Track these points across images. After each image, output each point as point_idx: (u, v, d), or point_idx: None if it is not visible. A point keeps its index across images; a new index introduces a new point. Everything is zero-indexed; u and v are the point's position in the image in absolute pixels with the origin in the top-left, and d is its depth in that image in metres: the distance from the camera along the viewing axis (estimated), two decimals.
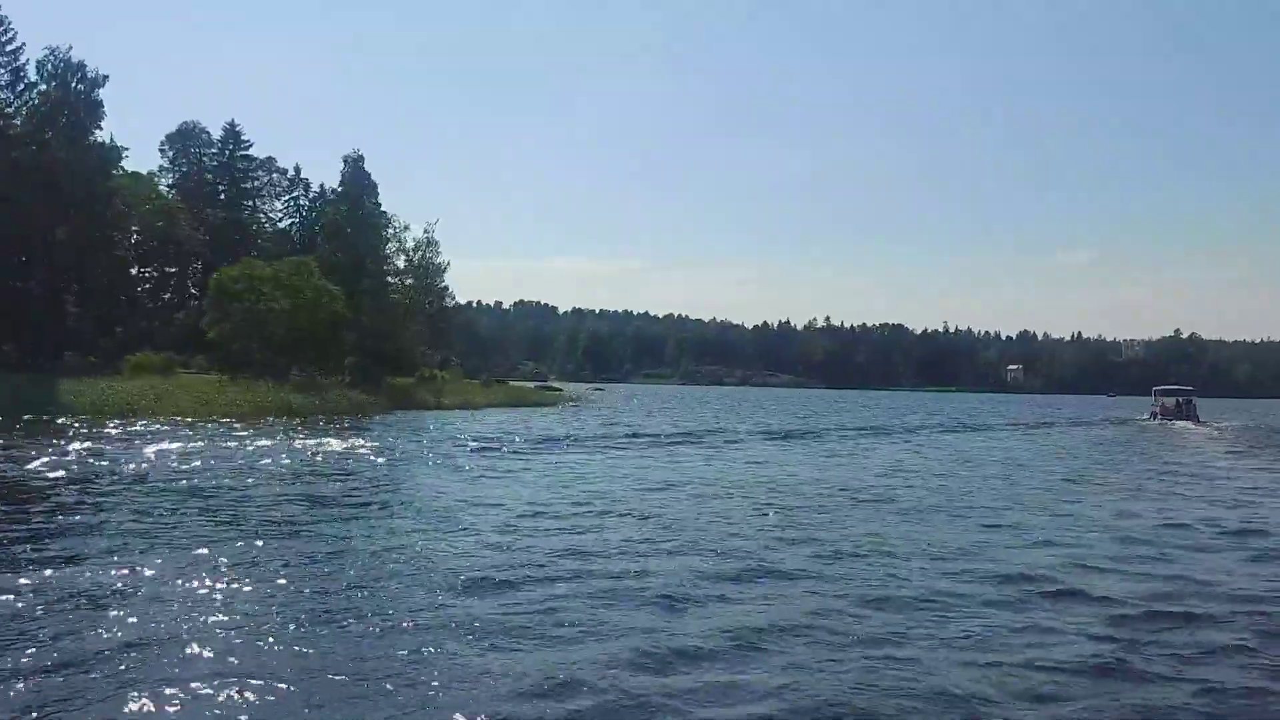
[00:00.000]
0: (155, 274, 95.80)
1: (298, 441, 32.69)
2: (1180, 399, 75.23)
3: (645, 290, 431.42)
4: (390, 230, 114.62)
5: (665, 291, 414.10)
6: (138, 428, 35.18)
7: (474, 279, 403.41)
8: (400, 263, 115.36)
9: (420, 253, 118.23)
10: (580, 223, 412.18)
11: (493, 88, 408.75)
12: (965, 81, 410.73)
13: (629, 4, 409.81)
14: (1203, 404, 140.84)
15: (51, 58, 58.07)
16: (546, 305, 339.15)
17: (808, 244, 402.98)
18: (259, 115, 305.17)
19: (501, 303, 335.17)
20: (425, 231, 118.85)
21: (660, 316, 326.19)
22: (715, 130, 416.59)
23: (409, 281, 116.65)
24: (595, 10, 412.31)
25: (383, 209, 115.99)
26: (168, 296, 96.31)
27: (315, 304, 59.13)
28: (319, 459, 27.80)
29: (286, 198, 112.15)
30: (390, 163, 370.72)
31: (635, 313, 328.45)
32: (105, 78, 59.52)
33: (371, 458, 28.77)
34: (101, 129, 61.88)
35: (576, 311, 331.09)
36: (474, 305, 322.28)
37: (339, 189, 72.61)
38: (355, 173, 69.76)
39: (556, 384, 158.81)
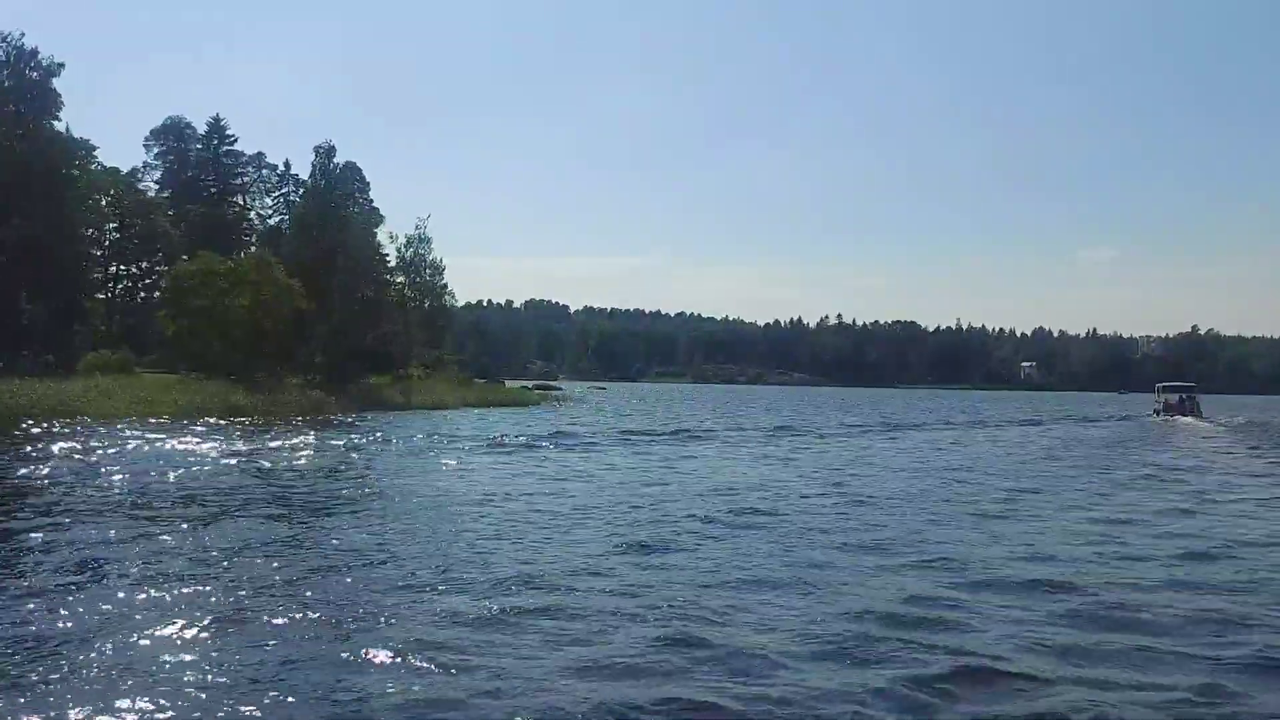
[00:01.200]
0: (138, 271, 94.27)
1: (209, 444, 30.55)
2: (1184, 395, 74.15)
3: (658, 289, 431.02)
4: (380, 227, 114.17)
5: (678, 290, 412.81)
6: (35, 430, 33.02)
7: (486, 278, 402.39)
8: (391, 258, 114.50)
9: (412, 249, 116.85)
10: (593, 222, 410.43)
11: (505, 86, 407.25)
12: (985, 80, 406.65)
13: (647, 4, 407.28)
14: (1218, 400, 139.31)
15: (3, 44, 56.09)
16: (558, 304, 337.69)
17: (823, 242, 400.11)
18: (267, 115, 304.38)
19: (513, 301, 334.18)
20: (416, 227, 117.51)
21: (673, 315, 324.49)
22: (729, 130, 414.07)
23: (400, 279, 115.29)
24: (613, 9, 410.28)
25: (374, 205, 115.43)
26: (156, 295, 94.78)
27: (276, 300, 56.99)
28: (211, 461, 25.61)
29: (276, 194, 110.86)
30: (401, 162, 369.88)
31: (647, 311, 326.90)
32: (60, 66, 57.57)
33: (271, 461, 26.56)
34: (59, 119, 59.91)
35: (588, 310, 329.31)
36: (485, 304, 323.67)
37: (308, 181, 70.24)
38: (325, 165, 67.49)
39: (557, 383, 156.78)
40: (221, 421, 40.72)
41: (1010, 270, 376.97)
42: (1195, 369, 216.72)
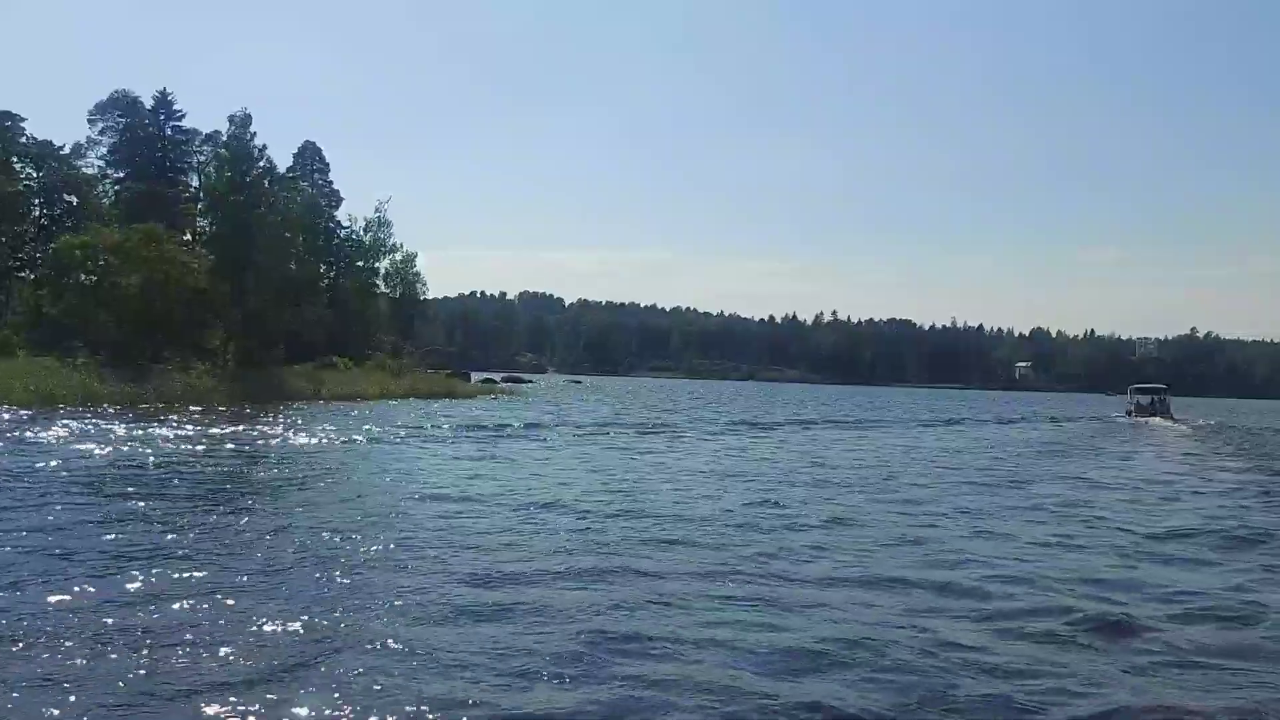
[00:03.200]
0: None
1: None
2: (1155, 397, 75.37)
3: (657, 285, 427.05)
4: (336, 211, 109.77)
5: (677, 286, 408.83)
6: None
7: (483, 269, 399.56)
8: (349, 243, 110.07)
9: (371, 234, 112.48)
10: (593, 217, 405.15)
11: (504, 79, 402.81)
12: (986, 81, 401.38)
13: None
14: (1212, 404, 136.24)
15: None
16: (552, 296, 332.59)
17: (824, 239, 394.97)
18: (266, 103, 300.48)
19: (506, 293, 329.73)
20: (376, 210, 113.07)
21: (668, 310, 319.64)
22: (730, 125, 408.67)
23: (359, 264, 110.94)
24: (612, 4, 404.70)
25: (334, 186, 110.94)
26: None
27: (170, 279, 52.60)
28: None
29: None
30: (397, 151, 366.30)
31: (644, 305, 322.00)
32: None
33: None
34: None
35: (582, 303, 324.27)
36: (478, 295, 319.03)
37: (221, 150, 65.36)
38: (241, 134, 62.72)
39: (530, 376, 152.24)
40: (42, 410, 36.39)
41: (1010, 270, 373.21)
42: (1193, 371, 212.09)
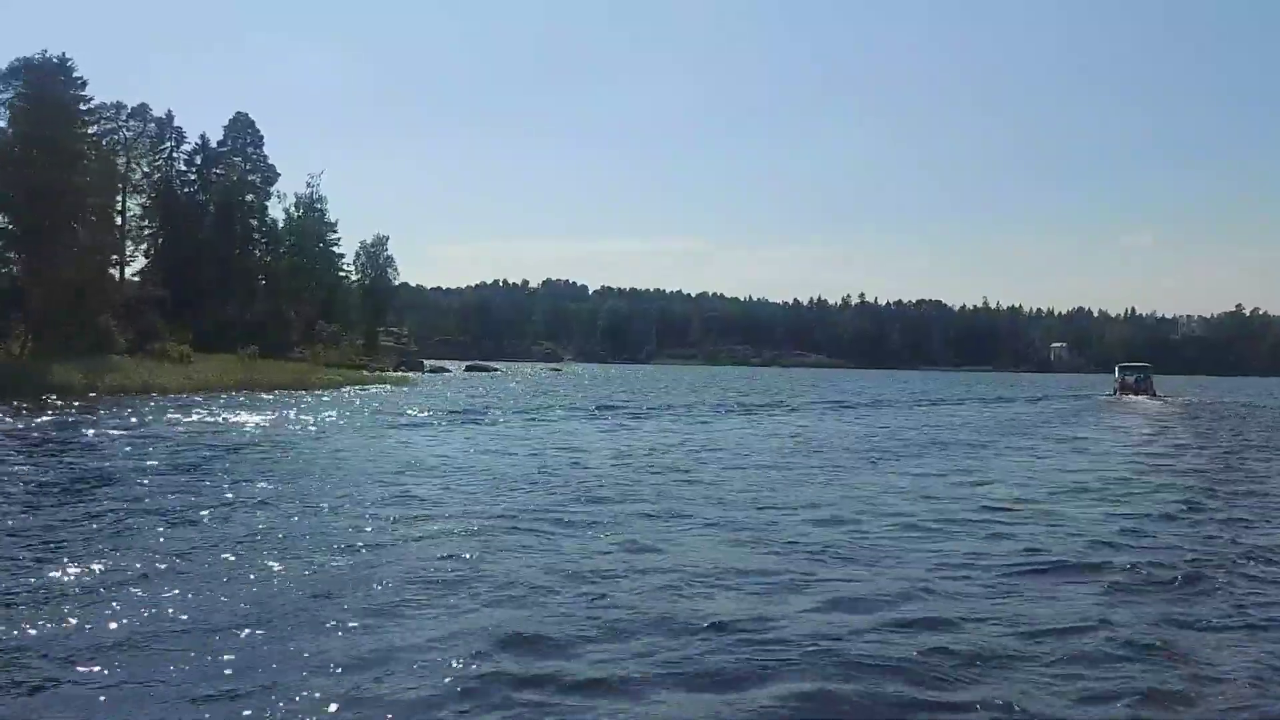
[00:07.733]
0: None
1: None
2: (1139, 375, 76.63)
3: (684, 273, 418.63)
4: (271, 187, 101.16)
5: (704, 273, 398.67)
6: None
7: (514, 260, 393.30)
8: (280, 222, 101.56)
9: (302, 212, 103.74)
10: (625, 206, 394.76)
11: (534, 68, 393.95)
12: (1024, 57, 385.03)
13: None
14: (1240, 383, 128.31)
15: None
16: (576, 284, 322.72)
17: (856, 224, 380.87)
18: (289, 98, 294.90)
19: (529, 281, 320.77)
20: (308, 185, 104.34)
21: (692, 295, 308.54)
22: (757, 113, 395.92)
23: (290, 242, 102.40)
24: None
25: (270, 162, 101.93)
26: None
27: None
28: None
29: (160, 149, 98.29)
30: (414, 141, 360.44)
31: (668, 291, 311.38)
32: None
33: None
34: None
35: (605, 290, 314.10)
36: (500, 284, 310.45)
37: (16, 102, 55.71)
38: (53, 81, 53.30)
39: (498, 364, 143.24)
40: None
41: (1049, 255, 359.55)
42: (1238, 350, 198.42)
